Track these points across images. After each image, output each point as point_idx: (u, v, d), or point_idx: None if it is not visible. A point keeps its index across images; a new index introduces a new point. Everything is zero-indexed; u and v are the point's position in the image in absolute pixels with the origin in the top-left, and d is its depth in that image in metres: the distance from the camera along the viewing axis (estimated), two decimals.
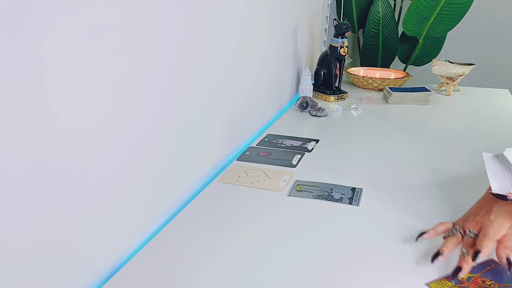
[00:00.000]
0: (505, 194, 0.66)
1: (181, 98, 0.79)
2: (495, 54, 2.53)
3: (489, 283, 0.58)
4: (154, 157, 0.73)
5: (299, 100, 1.40)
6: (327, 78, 1.55)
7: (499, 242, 0.63)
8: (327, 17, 1.96)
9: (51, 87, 0.49)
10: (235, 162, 1.00)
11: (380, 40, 2.22)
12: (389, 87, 1.56)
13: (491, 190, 0.69)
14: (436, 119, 1.39)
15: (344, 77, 1.78)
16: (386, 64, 2.28)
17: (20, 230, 0.48)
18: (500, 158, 0.73)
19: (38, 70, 0.47)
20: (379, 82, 1.68)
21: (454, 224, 0.70)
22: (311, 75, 1.54)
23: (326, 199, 0.82)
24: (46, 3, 0.47)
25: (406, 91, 1.52)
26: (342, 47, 1.48)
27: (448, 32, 2.16)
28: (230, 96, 1.01)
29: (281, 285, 0.59)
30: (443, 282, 0.59)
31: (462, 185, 0.88)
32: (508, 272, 0.59)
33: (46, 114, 0.49)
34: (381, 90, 1.69)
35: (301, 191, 0.85)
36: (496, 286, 0.58)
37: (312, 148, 1.08)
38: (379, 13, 2.15)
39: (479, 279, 0.60)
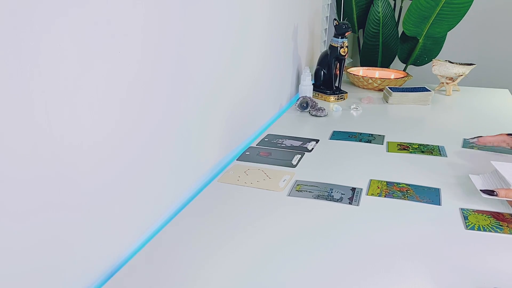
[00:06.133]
0: (493, 189, 0.76)
1: (180, 98, 0.79)
2: (495, 54, 2.52)
3: None
4: (154, 157, 0.73)
5: (299, 100, 1.40)
6: (327, 78, 1.55)
7: None
8: (327, 17, 1.96)
9: (53, 91, 0.49)
10: (235, 162, 1.00)
11: (380, 40, 2.22)
12: (389, 87, 1.56)
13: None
14: (436, 119, 1.39)
15: (344, 77, 1.78)
16: (386, 64, 2.28)
17: (21, 230, 0.48)
18: (485, 175, 0.85)
19: (40, 74, 0.47)
20: (379, 82, 1.68)
21: None
22: (311, 75, 1.54)
23: (326, 199, 0.82)
24: (43, 3, 0.47)
25: (406, 91, 1.52)
26: (342, 47, 1.48)
27: (448, 32, 2.16)
28: (230, 96, 1.01)
29: (281, 285, 0.59)
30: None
31: (462, 185, 0.88)
32: None
33: (47, 113, 0.49)
34: (381, 90, 1.69)
35: (301, 191, 0.85)
36: None
37: (312, 148, 1.08)
38: (379, 13, 2.15)
39: None
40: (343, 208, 0.79)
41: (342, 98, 1.55)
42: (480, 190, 0.78)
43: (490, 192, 0.76)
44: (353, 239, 0.70)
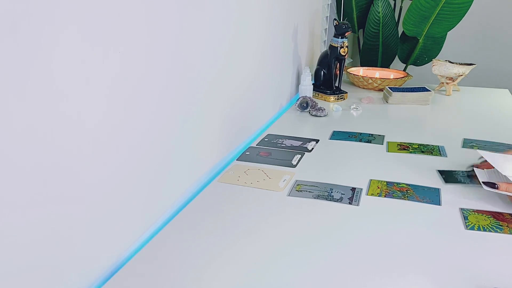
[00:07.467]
0: (494, 182, 0.77)
1: (180, 97, 0.79)
2: (495, 54, 2.52)
3: None
4: (154, 157, 0.73)
5: (299, 100, 1.40)
6: (327, 78, 1.55)
7: None
8: (327, 17, 1.96)
9: (51, 84, 0.49)
10: (235, 162, 1.00)
11: (380, 40, 2.22)
12: (389, 87, 1.56)
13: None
14: (436, 119, 1.39)
15: (344, 77, 1.78)
16: (386, 64, 2.28)
17: (19, 229, 0.48)
18: (489, 170, 0.86)
19: (40, 69, 0.47)
20: (379, 82, 1.68)
21: None
22: (311, 75, 1.54)
23: (326, 199, 0.82)
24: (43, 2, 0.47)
25: (406, 91, 1.52)
26: (342, 47, 1.48)
27: (448, 32, 2.16)
28: (229, 96, 1.01)
29: (281, 284, 0.59)
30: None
31: (462, 185, 0.88)
32: None
33: (48, 112, 0.49)
34: (381, 90, 1.69)
35: (301, 191, 0.85)
36: None
37: (312, 148, 1.08)
38: (379, 13, 2.15)
39: None
40: (343, 208, 0.79)
41: (342, 98, 1.55)
42: (482, 182, 0.79)
43: (492, 185, 0.77)
44: (353, 239, 0.70)
